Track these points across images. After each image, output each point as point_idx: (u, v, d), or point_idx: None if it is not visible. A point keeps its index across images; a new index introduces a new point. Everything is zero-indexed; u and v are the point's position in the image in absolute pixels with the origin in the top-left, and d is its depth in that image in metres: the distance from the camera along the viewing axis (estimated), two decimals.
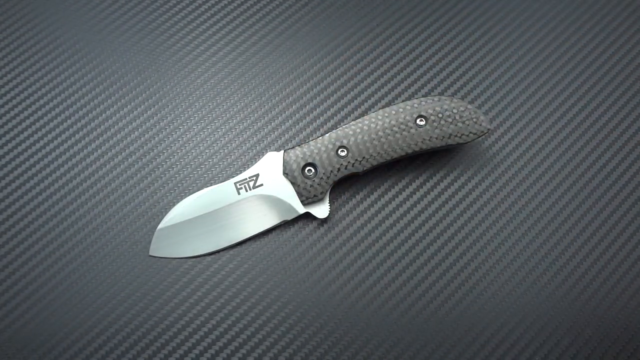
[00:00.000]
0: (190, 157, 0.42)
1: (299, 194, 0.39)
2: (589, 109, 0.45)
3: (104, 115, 0.43)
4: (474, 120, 0.40)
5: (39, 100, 0.43)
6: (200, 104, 0.44)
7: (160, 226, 0.39)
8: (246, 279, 0.39)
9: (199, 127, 0.43)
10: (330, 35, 0.47)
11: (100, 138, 0.42)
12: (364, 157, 0.39)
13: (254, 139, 0.43)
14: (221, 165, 0.42)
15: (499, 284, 0.39)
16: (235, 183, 0.40)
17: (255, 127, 0.43)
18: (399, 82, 0.45)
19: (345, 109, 0.44)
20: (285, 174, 0.39)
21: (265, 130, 0.43)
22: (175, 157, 0.42)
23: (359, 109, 0.44)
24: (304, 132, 0.43)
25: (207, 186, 0.41)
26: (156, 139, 0.43)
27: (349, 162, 0.39)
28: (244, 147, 0.43)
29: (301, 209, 0.39)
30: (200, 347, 0.37)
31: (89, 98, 0.44)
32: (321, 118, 0.44)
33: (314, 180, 0.39)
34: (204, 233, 0.39)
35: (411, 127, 0.40)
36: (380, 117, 0.40)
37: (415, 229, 0.40)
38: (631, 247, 0.40)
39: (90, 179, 0.41)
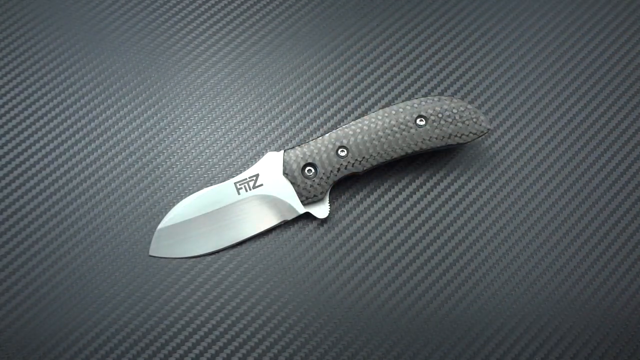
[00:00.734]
0: (190, 157, 0.42)
1: (299, 194, 0.39)
2: (589, 109, 0.45)
3: (104, 115, 0.43)
4: (474, 120, 0.40)
5: (39, 100, 0.43)
6: (200, 104, 0.44)
7: (160, 226, 0.39)
8: (246, 279, 0.39)
9: (199, 127, 0.43)
10: (330, 35, 0.47)
11: (100, 138, 0.42)
12: (364, 157, 0.39)
13: (254, 139, 0.43)
14: (221, 165, 0.42)
15: (499, 284, 0.39)
16: (235, 183, 0.40)
17: (255, 127, 0.43)
18: (399, 82, 0.45)
19: (345, 109, 0.44)
20: (285, 174, 0.39)
21: (265, 130, 0.43)
22: (175, 157, 0.42)
23: (359, 109, 0.44)
24: (304, 132, 0.43)
25: (207, 186, 0.41)
26: (156, 139, 0.43)
27: (349, 162, 0.39)
28: (244, 147, 0.43)
29: (301, 209, 0.39)
30: (200, 347, 0.37)
31: (89, 98, 0.44)
32: (321, 118, 0.44)
33: (314, 180, 0.39)
34: (204, 233, 0.39)
35: (411, 127, 0.40)
36: (380, 117, 0.40)
37: (415, 229, 0.40)
38: (631, 247, 0.40)
39: (90, 179, 0.41)
